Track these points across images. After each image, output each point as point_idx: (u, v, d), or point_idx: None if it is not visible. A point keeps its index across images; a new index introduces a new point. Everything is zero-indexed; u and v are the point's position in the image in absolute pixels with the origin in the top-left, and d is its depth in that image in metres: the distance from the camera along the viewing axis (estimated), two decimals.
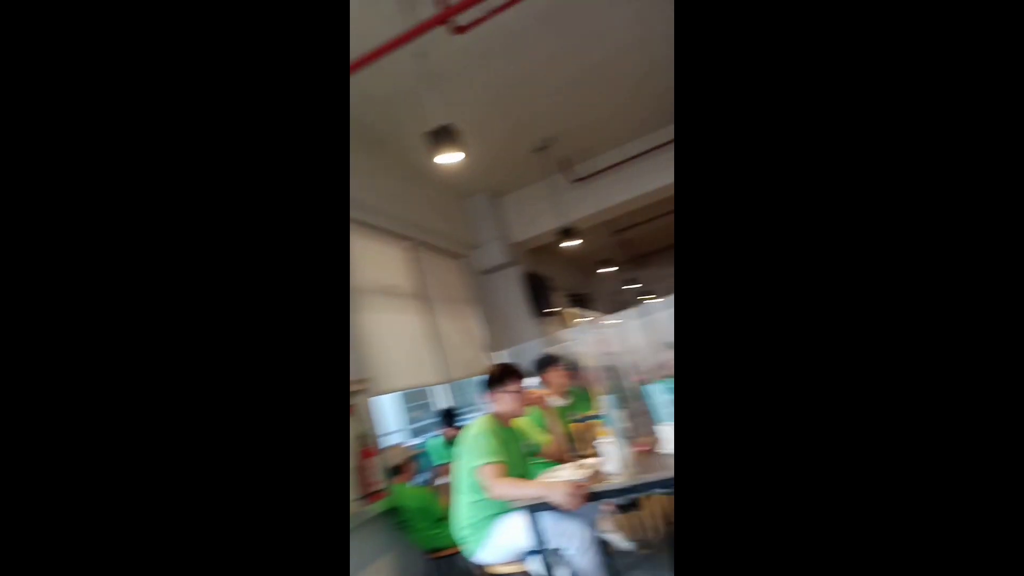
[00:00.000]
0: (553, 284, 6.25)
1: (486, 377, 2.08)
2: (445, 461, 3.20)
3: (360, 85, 2.34)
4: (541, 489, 1.72)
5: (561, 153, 4.78)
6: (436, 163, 2.89)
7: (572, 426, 2.76)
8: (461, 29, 2.55)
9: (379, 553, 2.82)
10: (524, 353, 4.53)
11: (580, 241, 5.02)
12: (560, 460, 2.26)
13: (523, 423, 2.22)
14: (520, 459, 2.02)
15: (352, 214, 3.27)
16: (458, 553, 2.22)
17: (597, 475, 1.80)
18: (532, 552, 1.75)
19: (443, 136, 2.69)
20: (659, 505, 3.03)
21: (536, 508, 1.71)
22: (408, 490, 2.90)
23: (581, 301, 7.90)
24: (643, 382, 2.33)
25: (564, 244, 4.89)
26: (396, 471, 2.94)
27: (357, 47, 2.21)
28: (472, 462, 1.85)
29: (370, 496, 2.74)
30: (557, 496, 1.63)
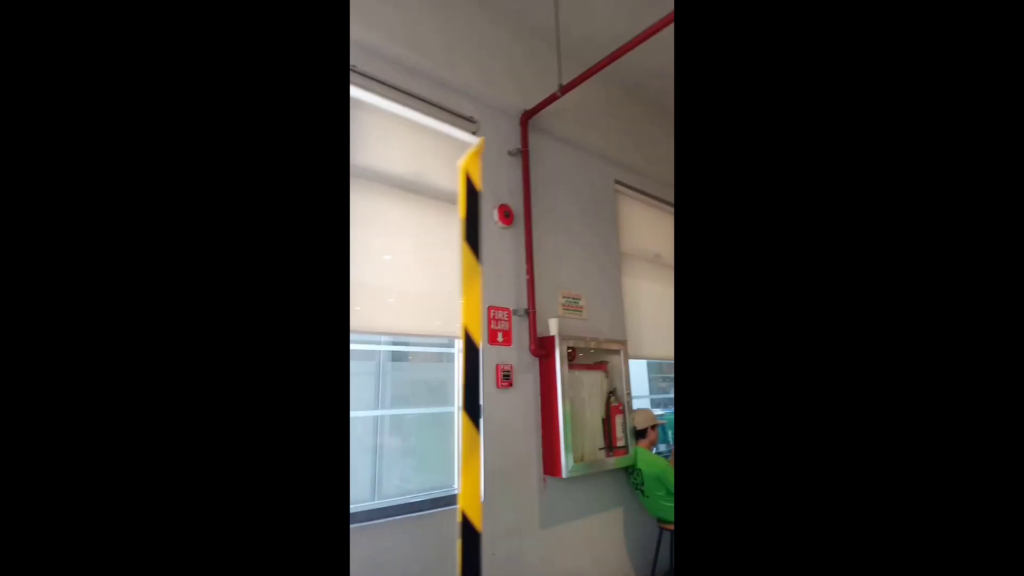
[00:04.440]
0: None
1: None
2: None
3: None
4: None
5: None
6: None
7: None
8: None
9: (613, 504, 2.98)
10: None
11: None
12: None
13: None
14: None
15: (627, 179, 3.54)
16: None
17: None
18: None
19: None
20: None
21: None
22: (648, 455, 2.98)
23: None
24: None
25: None
26: (640, 435, 3.06)
27: None
28: None
29: (614, 450, 2.91)
30: None
